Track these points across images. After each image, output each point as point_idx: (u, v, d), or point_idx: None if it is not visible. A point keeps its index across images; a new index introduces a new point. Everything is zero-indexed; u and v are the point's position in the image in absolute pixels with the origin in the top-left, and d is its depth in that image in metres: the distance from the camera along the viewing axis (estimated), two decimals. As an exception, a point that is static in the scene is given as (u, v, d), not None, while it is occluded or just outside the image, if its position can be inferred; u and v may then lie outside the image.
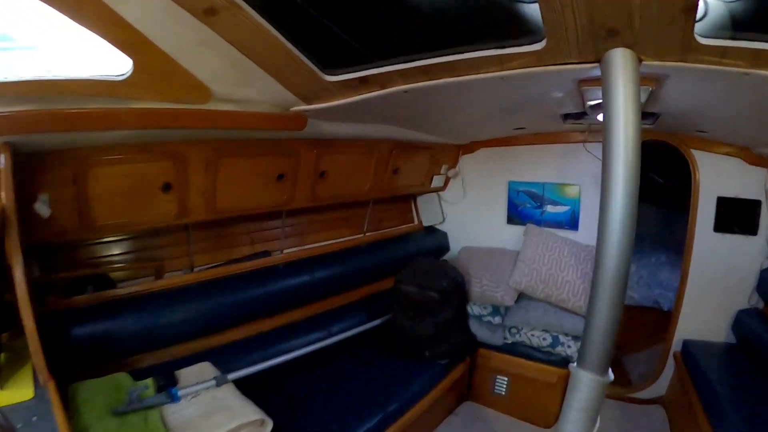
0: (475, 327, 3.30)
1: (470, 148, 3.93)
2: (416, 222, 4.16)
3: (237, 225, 2.82)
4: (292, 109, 2.18)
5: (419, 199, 4.19)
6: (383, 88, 1.96)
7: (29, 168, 1.78)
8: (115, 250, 2.33)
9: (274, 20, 1.56)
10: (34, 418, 1.50)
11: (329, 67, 1.91)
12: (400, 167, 3.40)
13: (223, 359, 2.35)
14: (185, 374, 2.12)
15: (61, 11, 1.42)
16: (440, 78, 1.83)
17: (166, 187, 2.16)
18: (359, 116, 2.46)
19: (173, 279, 2.40)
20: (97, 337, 2.04)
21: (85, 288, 2.12)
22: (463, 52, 1.66)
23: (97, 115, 1.69)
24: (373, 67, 1.86)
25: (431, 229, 4.15)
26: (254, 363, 2.47)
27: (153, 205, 2.17)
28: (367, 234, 3.61)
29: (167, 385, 1.97)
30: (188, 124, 1.92)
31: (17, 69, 2.17)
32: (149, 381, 1.94)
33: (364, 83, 1.95)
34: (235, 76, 1.86)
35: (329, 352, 2.91)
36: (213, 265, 2.63)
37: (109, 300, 2.13)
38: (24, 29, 1.81)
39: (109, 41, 1.55)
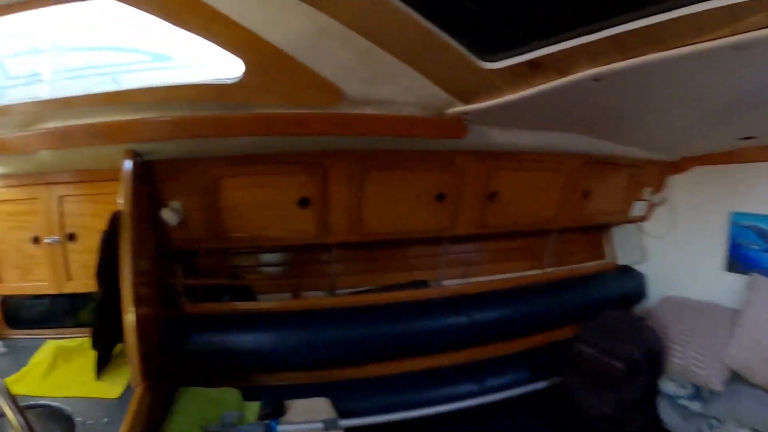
0: (665, 410, 2.39)
1: (681, 166, 2.86)
2: (609, 259, 3.26)
3: (391, 247, 2.48)
4: (446, 111, 1.73)
5: (614, 231, 3.27)
6: (563, 74, 1.37)
7: (162, 175, 1.79)
8: (255, 261, 2.27)
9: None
10: (105, 420, 1.52)
11: (487, 51, 1.40)
12: (591, 189, 2.65)
13: (346, 398, 2.07)
14: (297, 406, 1.93)
15: (159, 16, 1.33)
16: (641, 54, 1.17)
17: (304, 202, 1.97)
18: (536, 120, 1.89)
19: (311, 300, 2.22)
20: (220, 346, 1.97)
21: (222, 296, 2.10)
22: (671, 9, 1.00)
23: (208, 121, 1.56)
24: (546, 45, 1.28)
25: (627, 269, 3.17)
26: (382, 410, 2.13)
27: (289, 221, 2.01)
28: (546, 270, 2.90)
29: (273, 414, 1.82)
30: (317, 131, 1.65)
31: None
32: (254, 405, 1.83)
33: (536, 69, 1.38)
34: (368, 72, 1.52)
35: (477, 412, 2.36)
36: (358, 290, 2.35)
37: (240, 312, 2.06)
38: (182, 48, 1.84)
39: (214, 42, 1.40)
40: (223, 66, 1.58)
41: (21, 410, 1.06)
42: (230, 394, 1.85)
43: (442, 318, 2.34)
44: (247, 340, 2.00)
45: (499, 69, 1.42)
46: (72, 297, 2.15)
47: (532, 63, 1.36)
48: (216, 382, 1.87)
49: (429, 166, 2.09)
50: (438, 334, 2.34)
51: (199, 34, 1.40)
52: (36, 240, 2.06)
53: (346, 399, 2.05)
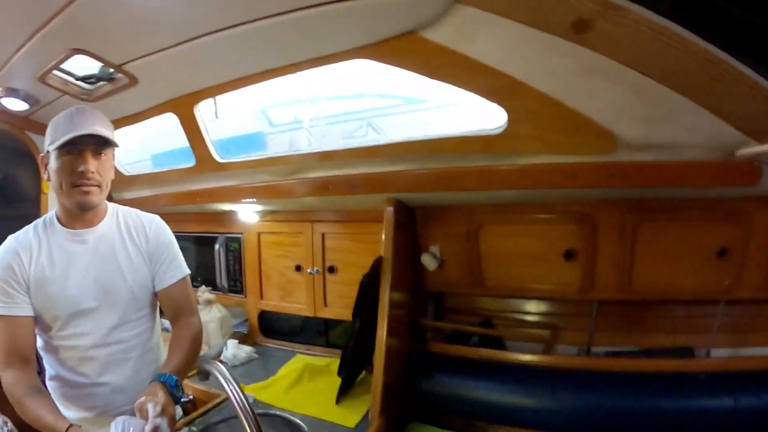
0: None
1: None
2: None
3: (656, 304, 2.12)
4: (737, 153, 1.41)
5: None
6: None
7: (422, 220, 1.84)
8: (507, 307, 2.13)
9: (677, 16, 1.00)
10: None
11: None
12: None
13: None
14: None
15: (419, 73, 1.38)
16: None
17: (569, 255, 1.80)
18: None
19: (563, 358, 1.98)
20: (458, 389, 1.88)
21: (469, 338, 2.04)
22: None
23: (473, 174, 1.53)
24: None
25: None
26: None
27: (552, 273, 1.87)
28: None
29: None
30: (591, 183, 1.48)
31: (428, 128, 2.32)
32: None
33: None
34: (645, 110, 1.32)
35: None
36: (614, 349, 2.04)
37: (485, 358, 1.94)
38: (434, 89, 1.89)
39: (474, 92, 1.39)
40: (477, 104, 1.55)
41: (256, 420, 1.13)
42: (457, 439, 1.78)
43: (705, 398, 1.91)
44: (487, 387, 1.89)
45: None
46: (325, 318, 2.37)
47: None
48: (444, 424, 1.83)
49: (710, 216, 1.73)
50: (694, 419, 1.88)
51: (459, 86, 1.41)
52: (298, 268, 2.36)
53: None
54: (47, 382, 1.39)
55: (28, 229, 1.37)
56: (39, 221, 1.39)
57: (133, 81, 1.92)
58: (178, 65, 1.73)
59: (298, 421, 1.70)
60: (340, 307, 2.28)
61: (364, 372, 2.06)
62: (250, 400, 1.81)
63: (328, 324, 2.43)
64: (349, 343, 1.93)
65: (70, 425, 1.16)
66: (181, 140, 2.30)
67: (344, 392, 1.89)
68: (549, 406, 1.85)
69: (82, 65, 2.03)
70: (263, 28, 1.39)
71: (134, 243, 1.43)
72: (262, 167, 2.13)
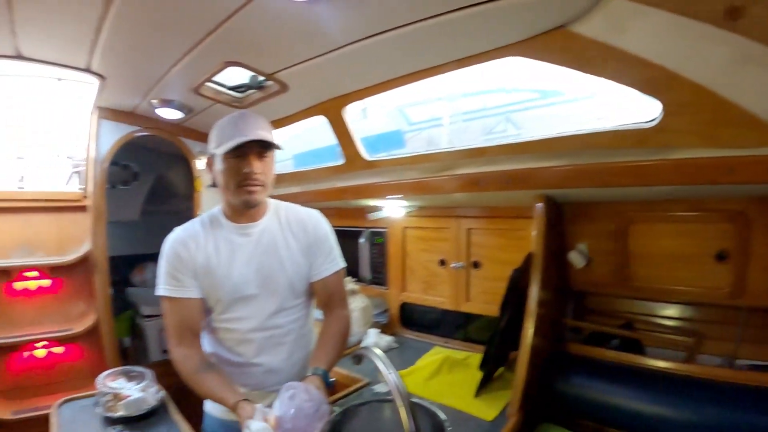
0: None
1: None
2: None
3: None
4: None
5: None
6: None
7: (570, 217, 1.82)
8: (649, 310, 2.02)
9: None
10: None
11: None
12: None
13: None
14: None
15: (570, 67, 1.40)
16: None
17: (721, 256, 1.69)
18: None
19: (707, 368, 1.79)
20: (593, 392, 1.81)
21: (609, 341, 1.96)
22: None
23: (626, 170, 1.50)
24: None
25: None
26: None
27: (701, 276, 1.75)
28: None
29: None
30: (748, 179, 1.37)
31: (567, 122, 2.31)
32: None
33: None
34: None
35: None
36: (762, 363, 1.88)
37: (624, 363, 1.86)
38: (570, 82, 1.90)
39: (628, 84, 1.38)
40: (615, 95, 1.54)
41: (411, 405, 1.18)
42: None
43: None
44: (623, 393, 1.80)
45: None
46: (464, 313, 2.43)
47: None
48: (575, 426, 1.78)
49: None
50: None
51: (612, 80, 1.40)
52: (442, 263, 2.46)
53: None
54: None
55: (195, 222, 1.51)
56: (204, 216, 1.53)
57: (283, 88, 2.10)
58: (328, 71, 1.86)
59: (437, 410, 1.75)
60: (482, 302, 2.33)
61: (502, 368, 2.08)
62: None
63: (468, 319, 2.48)
64: (494, 338, 1.96)
65: (241, 399, 1.28)
66: (318, 141, 2.49)
67: (483, 386, 1.92)
68: (688, 418, 1.70)
69: (232, 75, 2.22)
70: (412, 32, 1.47)
71: (294, 236, 1.53)
72: (410, 164, 2.24)
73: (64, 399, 1.80)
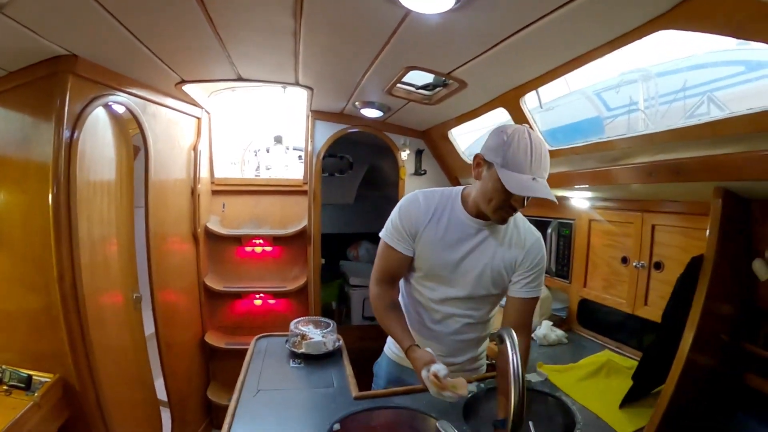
0: None
1: None
2: None
3: None
4: None
5: None
6: None
7: (761, 217, 1.51)
8: None
9: None
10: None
11: None
12: None
13: None
14: None
15: (720, 33, 1.17)
16: None
17: None
18: None
19: None
20: None
21: None
22: None
23: None
24: None
25: None
26: None
27: None
28: None
29: None
30: None
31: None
32: None
33: None
34: None
35: None
36: None
37: None
38: None
39: None
40: None
41: (523, 391, 1.14)
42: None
43: None
44: None
45: None
46: (644, 319, 2.18)
47: None
48: None
49: None
50: None
51: None
52: (624, 260, 2.24)
53: None
54: None
55: (435, 192, 1.63)
56: (448, 190, 1.63)
57: (462, 84, 2.18)
58: (499, 64, 1.87)
59: (576, 410, 1.68)
60: (660, 308, 1.94)
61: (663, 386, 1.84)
62: (542, 378, 1.93)
63: (645, 326, 2.21)
64: (651, 348, 1.76)
65: (413, 344, 1.47)
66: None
67: (633, 399, 1.72)
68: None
69: (420, 75, 2.38)
70: (560, 17, 1.36)
71: (510, 248, 1.59)
72: (587, 153, 2.12)
73: (262, 335, 2.32)
